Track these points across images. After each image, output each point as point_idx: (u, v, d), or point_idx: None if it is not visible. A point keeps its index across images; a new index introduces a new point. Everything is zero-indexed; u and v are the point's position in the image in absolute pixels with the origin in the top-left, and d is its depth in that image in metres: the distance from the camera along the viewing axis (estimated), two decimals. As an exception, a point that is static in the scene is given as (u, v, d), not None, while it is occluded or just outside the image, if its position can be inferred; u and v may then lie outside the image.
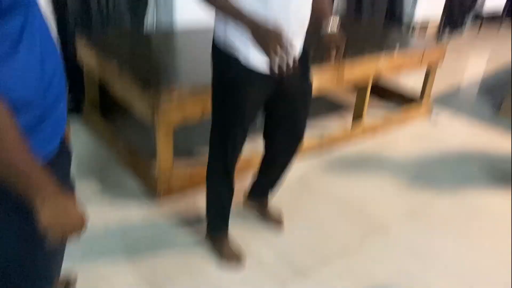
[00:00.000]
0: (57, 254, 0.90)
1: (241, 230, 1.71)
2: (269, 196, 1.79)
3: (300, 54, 1.32)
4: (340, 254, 1.66)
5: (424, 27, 4.71)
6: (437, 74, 2.82)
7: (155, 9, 2.70)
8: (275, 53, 1.07)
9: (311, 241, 1.72)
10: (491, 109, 3.18)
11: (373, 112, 2.75)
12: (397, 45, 2.62)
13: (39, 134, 0.70)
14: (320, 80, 2.09)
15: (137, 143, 2.24)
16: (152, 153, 1.91)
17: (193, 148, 2.33)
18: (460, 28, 5.21)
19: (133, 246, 1.66)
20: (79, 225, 0.72)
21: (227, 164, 1.50)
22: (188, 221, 1.80)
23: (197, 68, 2.05)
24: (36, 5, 0.69)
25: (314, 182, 2.13)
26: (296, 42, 1.26)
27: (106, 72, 2.09)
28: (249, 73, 1.27)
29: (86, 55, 2.23)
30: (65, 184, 0.76)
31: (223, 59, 1.31)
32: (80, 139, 2.36)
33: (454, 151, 2.55)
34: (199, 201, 1.88)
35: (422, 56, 2.60)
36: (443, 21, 4.81)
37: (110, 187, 1.98)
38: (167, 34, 2.64)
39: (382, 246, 1.73)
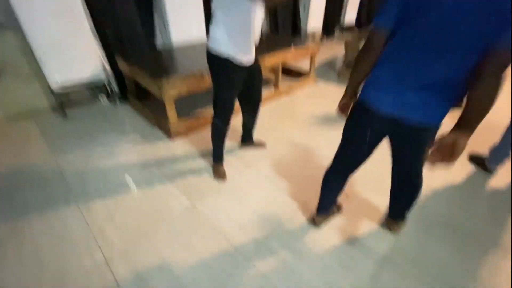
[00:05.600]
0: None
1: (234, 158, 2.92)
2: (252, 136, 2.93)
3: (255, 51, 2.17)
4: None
5: (314, 34, 6.76)
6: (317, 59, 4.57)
7: (161, 36, 3.97)
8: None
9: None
10: (336, 75, 5.14)
11: (284, 82, 4.40)
12: (293, 44, 4.11)
13: None
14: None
15: (156, 110, 3.39)
16: (165, 114, 3.06)
17: (189, 110, 3.60)
18: (332, 34, 7.51)
19: (166, 169, 2.68)
20: None
21: (226, 117, 2.22)
22: (193, 152, 2.96)
23: (184, 65, 3.21)
24: None
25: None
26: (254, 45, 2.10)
27: (135, 74, 3.24)
28: (234, 64, 2.01)
29: (123, 66, 3.45)
30: None
31: (217, 58, 1.99)
32: (129, 115, 3.64)
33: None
34: (194, 140, 3.14)
35: (308, 49, 4.26)
36: (323, 30, 6.98)
37: (146, 135, 3.22)
38: (168, 49, 3.77)
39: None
